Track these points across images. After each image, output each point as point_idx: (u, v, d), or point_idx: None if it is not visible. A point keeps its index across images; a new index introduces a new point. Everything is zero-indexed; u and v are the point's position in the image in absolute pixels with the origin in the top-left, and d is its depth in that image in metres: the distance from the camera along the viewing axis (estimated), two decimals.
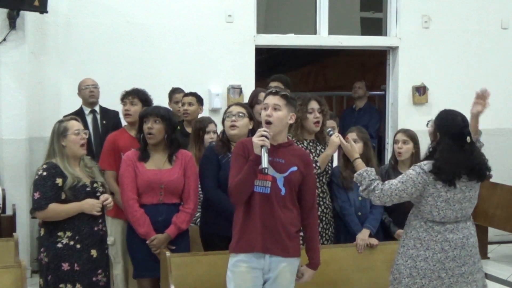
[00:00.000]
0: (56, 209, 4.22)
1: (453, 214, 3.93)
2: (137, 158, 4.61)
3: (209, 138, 5.29)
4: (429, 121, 4.21)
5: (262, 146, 3.69)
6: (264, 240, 3.81)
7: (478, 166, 3.93)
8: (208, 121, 5.45)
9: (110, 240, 5.20)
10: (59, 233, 4.25)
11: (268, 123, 3.80)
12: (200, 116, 6.18)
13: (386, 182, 4.01)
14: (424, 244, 3.95)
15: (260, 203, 3.81)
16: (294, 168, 3.86)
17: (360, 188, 4.07)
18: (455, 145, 3.89)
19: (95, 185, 4.37)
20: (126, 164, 4.59)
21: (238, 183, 3.79)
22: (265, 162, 3.67)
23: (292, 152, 3.91)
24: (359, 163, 4.14)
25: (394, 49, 8.13)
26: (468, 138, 3.91)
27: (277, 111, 3.81)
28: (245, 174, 3.75)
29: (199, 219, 5.13)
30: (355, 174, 4.11)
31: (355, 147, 4.27)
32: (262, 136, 3.72)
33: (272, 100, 3.83)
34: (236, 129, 4.59)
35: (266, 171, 3.68)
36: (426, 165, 3.92)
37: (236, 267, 3.87)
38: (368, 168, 4.08)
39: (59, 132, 4.33)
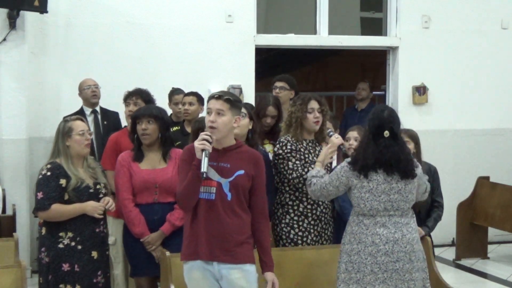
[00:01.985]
0: (59, 210, 4.22)
1: (380, 206, 3.94)
2: (131, 159, 4.63)
3: None
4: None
5: (202, 150, 3.62)
6: (210, 247, 3.72)
7: (393, 161, 3.91)
8: (201, 123, 5.42)
9: (111, 240, 5.20)
10: (61, 234, 4.26)
11: (212, 128, 3.71)
12: (200, 116, 6.18)
13: (320, 178, 4.18)
14: (357, 237, 4.00)
15: (205, 210, 3.72)
16: (241, 172, 3.75)
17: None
18: (372, 138, 3.96)
19: (98, 186, 4.38)
20: (121, 165, 4.62)
21: (183, 190, 3.71)
22: (204, 167, 3.59)
23: (240, 155, 3.81)
24: (316, 165, 4.38)
25: (394, 49, 8.13)
26: (386, 133, 3.93)
27: (220, 116, 3.70)
28: (189, 181, 3.68)
29: None
30: (308, 175, 4.33)
31: (322, 153, 4.48)
32: (203, 140, 3.64)
33: (215, 105, 3.72)
34: (237, 128, 4.59)
35: (204, 175, 3.60)
36: (349, 159, 4.07)
37: (190, 273, 3.82)
38: (317, 168, 4.31)
39: (64, 132, 4.33)
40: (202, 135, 3.68)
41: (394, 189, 3.95)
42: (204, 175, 3.61)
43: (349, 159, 4.06)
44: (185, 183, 3.70)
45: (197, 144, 3.65)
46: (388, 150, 3.92)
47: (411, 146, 5.06)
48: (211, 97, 3.78)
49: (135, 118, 4.67)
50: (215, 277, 3.77)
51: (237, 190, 3.75)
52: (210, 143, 3.65)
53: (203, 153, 3.62)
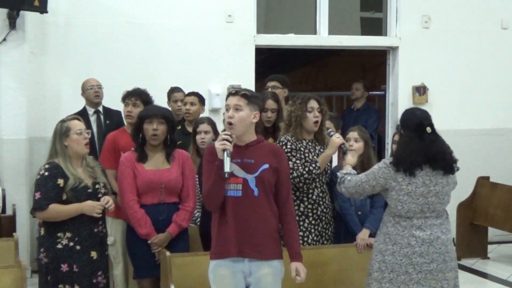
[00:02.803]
0: (57, 210, 4.21)
1: (417, 208, 3.99)
2: (136, 159, 4.61)
3: (200, 138, 5.28)
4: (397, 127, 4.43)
5: (223, 150, 3.65)
6: (239, 244, 3.75)
7: (439, 155, 3.99)
8: (200, 121, 5.43)
9: (110, 240, 5.20)
10: (59, 234, 4.24)
11: (230, 124, 3.75)
12: (201, 116, 6.19)
13: (357, 175, 4.19)
14: (392, 238, 4.05)
15: (233, 207, 3.75)
16: (266, 166, 3.78)
17: (337, 183, 4.28)
18: (414, 136, 4.01)
19: (97, 186, 4.36)
20: (125, 166, 4.59)
21: (208, 191, 3.75)
22: (227, 167, 3.63)
23: (263, 149, 3.84)
24: (346, 168, 4.37)
25: (394, 49, 8.13)
26: (428, 129, 4.01)
27: (238, 111, 3.74)
28: (213, 181, 3.71)
29: (199, 219, 5.13)
30: (338, 174, 4.34)
31: (351, 161, 4.44)
32: (223, 140, 3.67)
33: (232, 100, 3.77)
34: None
35: (227, 175, 3.63)
36: (389, 159, 4.08)
37: (216, 270, 3.83)
38: (349, 168, 4.32)
39: (62, 132, 4.31)
40: (222, 135, 3.72)
41: (432, 192, 4.01)
42: (227, 175, 3.64)
43: (387, 159, 4.08)
44: (209, 184, 3.74)
45: (217, 144, 3.69)
46: (434, 145, 4.01)
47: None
48: (229, 94, 3.84)
49: (144, 118, 4.63)
50: (244, 274, 3.80)
51: (264, 184, 3.78)
52: (230, 142, 3.68)
53: (225, 153, 3.65)
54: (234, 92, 3.81)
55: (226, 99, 3.85)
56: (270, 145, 3.99)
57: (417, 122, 4.04)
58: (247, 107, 3.76)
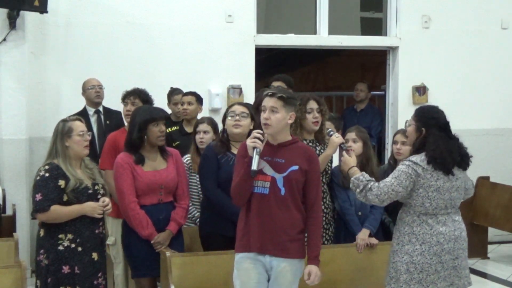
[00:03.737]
0: (58, 211, 4.17)
1: (443, 204, 4.02)
2: (134, 161, 4.60)
3: (199, 138, 5.29)
4: (407, 121, 4.33)
5: (254, 148, 3.71)
6: (262, 240, 3.82)
7: (466, 155, 4.11)
8: (200, 121, 5.44)
9: (111, 240, 5.20)
10: (60, 236, 4.21)
11: (266, 125, 3.80)
12: (199, 115, 6.19)
13: (380, 181, 4.06)
14: (420, 238, 4.01)
15: (259, 204, 3.82)
16: (295, 167, 3.83)
17: (357, 190, 4.09)
18: (444, 135, 4.04)
19: (96, 187, 4.34)
20: (123, 168, 4.57)
21: (236, 185, 3.84)
22: (254, 165, 3.69)
23: (295, 150, 3.89)
24: (355, 170, 4.21)
25: (394, 49, 8.13)
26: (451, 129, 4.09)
27: (274, 113, 3.80)
28: (241, 177, 3.79)
29: (199, 219, 5.13)
30: (352, 179, 4.15)
31: (353, 160, 4.32)
32: (255, 138, 3.74)
33: (269, 102, 3.82)
34: (239, 127, 4.62)
35: (253, 174, 3.70)
36: (415, 157, 4.03)
37: (240, 263, 3.90)
38: (363, 173, 4.16)
39: (63, 132, 4.27)
40: (254, 133, 3.79)
41: (454, 187, 4.06)
42: (253, 174, 3.70)
43: (413, 159, 4.02)
44: (237, 179, 3.82)
45: (249, 142, 3.76)
46: (460, 145, 4.11)
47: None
48: (265, 95, 3.88)
49: (150, 121, 4.59)
50: (265, 268, 3.86)
51: (291, 185, 3.82)
52: (261, 141, 3.74)
53: (254, 151, 3.71)
54: (271, 94, 3.85)
55: (262, 99, 3.88)
56: (304, 147, 4.02)
57: (444, 121, 4.10)
58: (283, 109, 3.81)
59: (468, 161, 4.15)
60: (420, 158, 4.02)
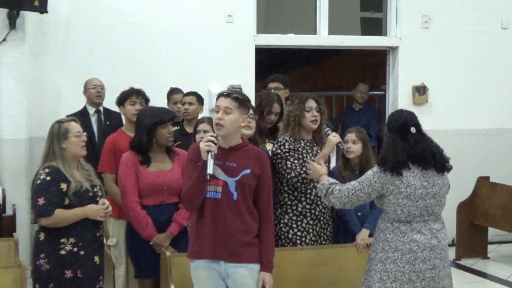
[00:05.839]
0: (62, 215, 4.09)
1: (417, 211, 3.90)
2: (139, 162, 4.58)
3: (199, 137, 5.29)
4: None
5: (208, 152, 3.64)
6: (214, 246, 3.74)
7: (427, 154, 3.91)
8: (200, 121, 5.44)
9: (113, 241, 5.17)
10: (62, 240, 4.13)
11: (219, 125, 3.72)
12: (200, 115, 6.19)
13: (346, 184, 4.05)
14: (392, 245, 3.91)
15: (211, 209, 3.74)
16: (247, 171, 3.75)
17: (322, 195, 4.10)
18: (398, 137, 3.94)
19: (95, 189, 4.29)
20: (127, 167, 4.55)
21: (188, 190, 3.73)
22: (209, 168, 3.61)
23: (247, 154, 3.81)
24: (323, 178, 4.19)
25: (394, 49, 8.13)
26: (412, 129, 3.95)
27: (228, 114, 3.71)
28: (194, 182, 3.69)
29: None
30: (318, 185, 4.17)
31: (319, 169, 4.30)
32: (209, 141, 3.66)
33: (223, 102, 3.73)
34: (249, 129, 4.52)
35: (208, 177, 3.61)
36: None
37: (196, 271, 3.84)
38: (329, 178, 4.16)
39: (60, 134, 4.19)
40: (208, 136, 3.70)
41: (430, 193, 3.92)
42: (209, 177, 3.62)
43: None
44: (190, 184, 3.72)
45: (202, 145, 3.66)
46: (419, 145, 3.92)
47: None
48: (220, 94, 3.80)
49: (160, 123, 4.57)
50: (221, 276, 3.78)
51: (243, 189, 3.75)
52: (215, 144, 3.66)
53: (209, 154, 3.63)
54: (226, 94, 3.77)
55: (217, 99, 3.79)
56: (255, 150, 3.92)
57: (401, 123, 3.97)
58: (237, 111, 3.74)
59: (444, 162, 4.00)
60: None
